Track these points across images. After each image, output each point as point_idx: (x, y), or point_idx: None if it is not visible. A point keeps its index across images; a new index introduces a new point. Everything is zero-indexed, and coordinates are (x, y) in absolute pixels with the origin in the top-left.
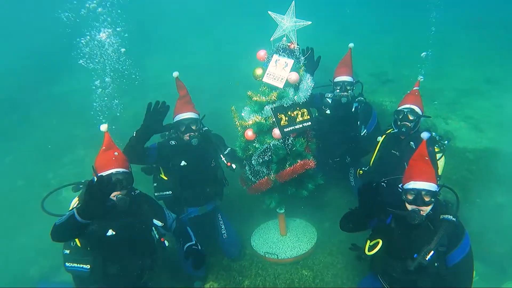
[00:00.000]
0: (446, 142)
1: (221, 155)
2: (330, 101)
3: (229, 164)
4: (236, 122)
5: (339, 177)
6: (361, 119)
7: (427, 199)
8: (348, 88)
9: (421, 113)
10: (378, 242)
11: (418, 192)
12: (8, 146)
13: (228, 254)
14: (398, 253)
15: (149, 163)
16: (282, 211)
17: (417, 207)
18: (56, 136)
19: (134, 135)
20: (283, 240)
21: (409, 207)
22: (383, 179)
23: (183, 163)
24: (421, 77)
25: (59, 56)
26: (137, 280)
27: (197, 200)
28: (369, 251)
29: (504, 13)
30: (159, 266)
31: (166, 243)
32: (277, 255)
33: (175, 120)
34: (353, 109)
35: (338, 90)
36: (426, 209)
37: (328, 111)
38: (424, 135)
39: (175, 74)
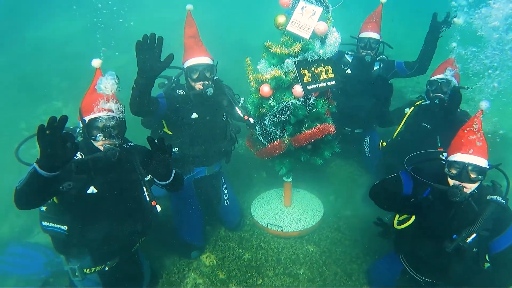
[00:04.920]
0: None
1: (237, 108)
2: (350, 60)
3: (246, 117)
4: (250, 76)
5: (349, 146)
6: (389, 76)
7: (473, 175)
8: (374, 46)
9: (457, 84)
10: (410, 216)
11: (464, 166)
12: None
13: (228, 223)
14: (433, 232)
15: (159, 115)
16: (290, 179)
17: (461, 183)
18: (29, 84)
19: (135, 86)
20: (287, 211)
21: (451, 182)
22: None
23: (194, 115)
24: (455, 43)
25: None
26: (127, 248)
27: (206, 158)
28: (398, 225)
29: None
30: (152, 233)
31: (158, 208)
32: (281, 227)
33: (185, 65)
34: (374, 69)
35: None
36: (470, 187)
37: (348, 71)
38: (484, 104)
39: (189, 6)
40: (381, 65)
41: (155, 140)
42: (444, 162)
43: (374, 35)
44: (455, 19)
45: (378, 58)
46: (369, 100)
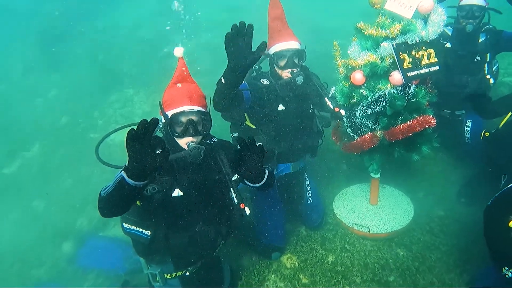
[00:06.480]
0: None
1: (326, 99)
2: (449, 33)
3: (337, 109)
4: (338, 61)
5: (445, 132)
6: (492, 53)
7: None
8: (477, 14)
9: None
10: None
11: None
12: (51, 79)
13: (310, 222)
14: None
15: (245, 109)
16: (378, 175)
17: None
18: (101, 72)
19: (223, 81)
20: (374, 210)
21: None
22: None
23: (280, 107)
24: None
25: None
26: (209, 251)
27: (292, 154)
28: None
29: None
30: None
31: (247, 210)
32: (368, 228)
33: (271, 51)
34: (480, 41)
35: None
36: None
37: (448, 45)
38: None
39: None
40: (488, 36)
41: (246, 141)
42: None
43: (478, 1)
44: None
45: (483, 29)
46: (474, 76)
